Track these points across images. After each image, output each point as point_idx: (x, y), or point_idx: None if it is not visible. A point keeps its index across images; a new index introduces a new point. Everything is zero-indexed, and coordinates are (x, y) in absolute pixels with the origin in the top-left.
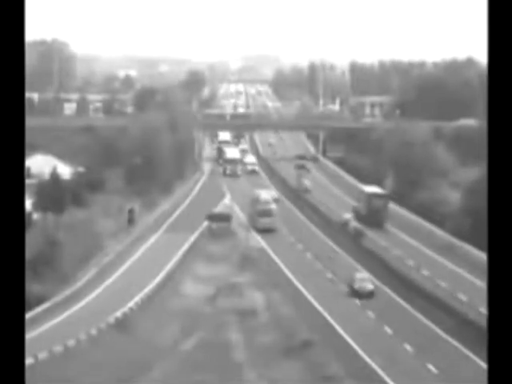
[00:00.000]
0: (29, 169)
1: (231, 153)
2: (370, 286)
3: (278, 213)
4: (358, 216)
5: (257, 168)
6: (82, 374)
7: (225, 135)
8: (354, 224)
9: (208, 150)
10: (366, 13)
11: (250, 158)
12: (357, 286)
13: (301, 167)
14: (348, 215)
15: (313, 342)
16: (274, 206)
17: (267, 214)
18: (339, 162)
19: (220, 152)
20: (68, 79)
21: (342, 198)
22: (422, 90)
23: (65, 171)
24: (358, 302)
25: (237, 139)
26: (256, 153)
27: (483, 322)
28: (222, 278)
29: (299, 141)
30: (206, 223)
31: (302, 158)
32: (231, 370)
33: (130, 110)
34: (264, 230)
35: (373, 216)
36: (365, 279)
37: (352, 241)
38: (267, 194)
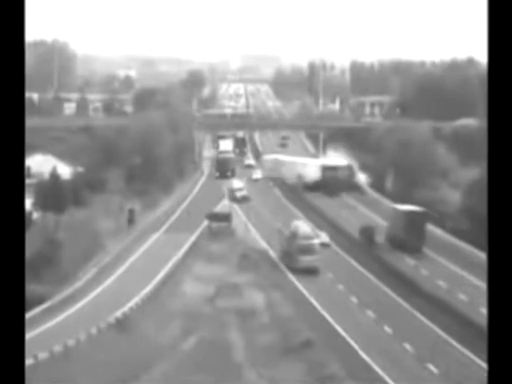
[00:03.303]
0: (29, 169)
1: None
2: None
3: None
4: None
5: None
6: (82, 374)
7: (226, 144)
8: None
9: (208, 151)
10: (366, 12)
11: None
12: None
13: (283, 145)
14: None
15: (313, 341)
16: (316, 241)
17: (309, 250)
18: None
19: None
20: (68, 79)
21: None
22: (422, 90)
23: (65, 171)
24: None
25: (239, 149)
26: (256, 153)
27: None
28: (221, 278)
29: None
30: (206, 223)
31: (285, 138)
32: (231, 369)
33: (129, 109)
34: (305, 271)
35: (326, 183)
36: None
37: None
38: (307, 226)
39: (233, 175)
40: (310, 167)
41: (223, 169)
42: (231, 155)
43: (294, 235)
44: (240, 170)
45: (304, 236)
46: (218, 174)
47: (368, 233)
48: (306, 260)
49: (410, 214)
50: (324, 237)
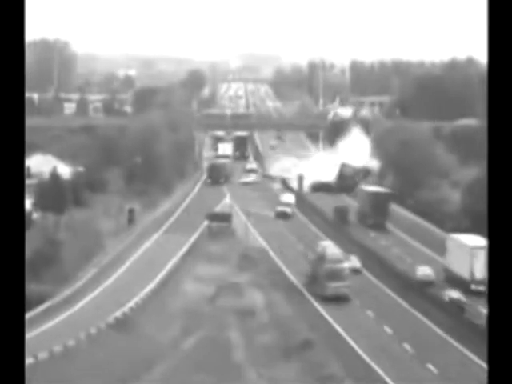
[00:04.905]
0: (29, 169)
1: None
2: None
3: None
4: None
5: (289, 210)
6: (82, 374)
7: (225, 148)
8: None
9: (207, 153)
10: (366, 12)
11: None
12: None
13: (279, 138)
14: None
15: (312, 341)
16: (346, 265)
17: (338, 275)
18: None
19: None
20: (68, 78)
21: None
22: (422, 90)
23: (65, 171)
24: None
25: (239, 152)
26: (256, 154)
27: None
28: (221, 278)
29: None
30: (206, 223)
31: (279, 137)
32: (231, 369)
33: (128, 109)
34: (334, 299)
35: (343, 182)
36: None
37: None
38: (336, 248)
39: (226, 181)
40: (324, 167)
41: (216, 175)
42: (225, 161)
43: (322, 258)
44: (241, 175)
45: (333, 259)
46: (209, 181)
47: (341, 212)
48: (334, 287)
49: (374, 194)
50: (354, 261)
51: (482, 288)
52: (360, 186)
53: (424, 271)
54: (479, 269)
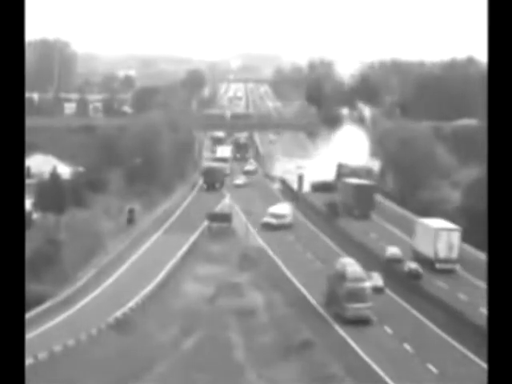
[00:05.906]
0: (29, 169)
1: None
2: None
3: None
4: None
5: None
6: (82, 374)
7: (224, 150)
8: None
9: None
10: (366, 12)
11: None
12: None
13: (277, 133)
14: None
15: (312, 341)
16: (368, 285)
17: (359, 296)
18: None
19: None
20: (68, 78)
21: None
22: (422, 89)
23: (65, 171)
24: None
25: (240, 154)
26: (256, 152)
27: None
28: (221, 278)
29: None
30: (206, 223)
31: (277, 133)
32: (231, 369)
33: (127, 109)
34: (354, 321)
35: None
36: None
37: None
38: (356, 265)
39: (222, 186)
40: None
41: (211, 179)
42: (221, 164)
43: (341, 276)
44: (240, 176)
45: (353, 278)
46: (205, 187)
47: (332, 207)
48: (355, 308)
49: (358, 187)
50: (377, 278)
51: (445, 266)
52: (342, 180)
53: (392, 250)
54: (442, 249)
